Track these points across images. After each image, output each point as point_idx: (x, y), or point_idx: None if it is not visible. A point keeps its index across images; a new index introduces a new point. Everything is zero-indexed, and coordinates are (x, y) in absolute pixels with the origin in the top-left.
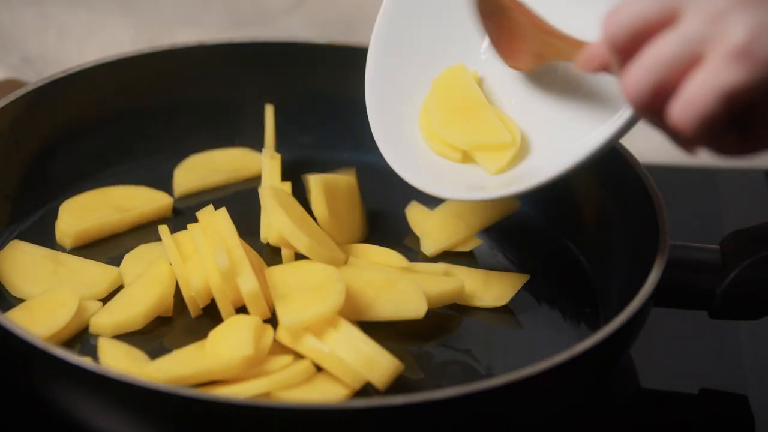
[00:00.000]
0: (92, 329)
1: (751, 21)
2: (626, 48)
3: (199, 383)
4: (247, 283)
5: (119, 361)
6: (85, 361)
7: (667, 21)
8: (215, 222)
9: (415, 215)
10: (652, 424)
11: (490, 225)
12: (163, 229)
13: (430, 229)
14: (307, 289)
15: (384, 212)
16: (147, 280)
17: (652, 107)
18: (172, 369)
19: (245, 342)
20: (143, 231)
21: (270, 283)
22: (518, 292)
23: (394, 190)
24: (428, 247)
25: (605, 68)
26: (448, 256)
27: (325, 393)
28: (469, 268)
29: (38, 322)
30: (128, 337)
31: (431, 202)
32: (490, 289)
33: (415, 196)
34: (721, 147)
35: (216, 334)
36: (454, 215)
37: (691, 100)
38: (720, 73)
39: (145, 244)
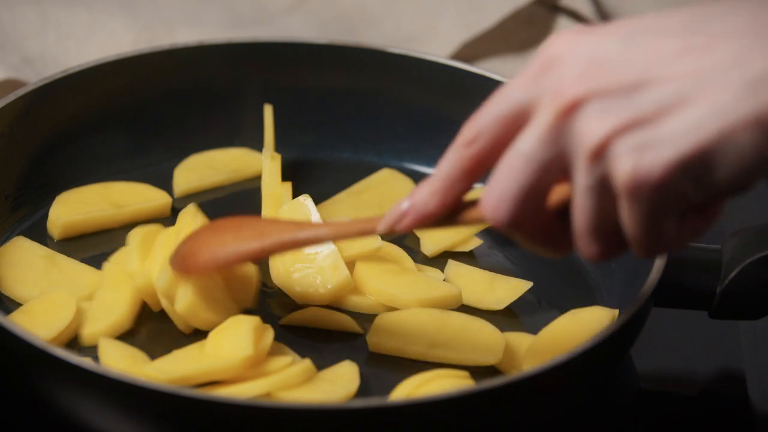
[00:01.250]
0: (85, 341)
1: (613, 120)
2: (483, 157)
3: (200, 384)
4: (181, 301)
5: (119, 361)
6: (85, 361)
7: (525, 117)
8: (188, 226)
9: None
10: (652, 425)
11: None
12: (133, 234)
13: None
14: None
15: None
16: (119, 279)
17: (522, 225)
18: (172, 369)
19: (245, 342)
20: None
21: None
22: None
23: None
24: (428, 247)
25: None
26: (448, 256)
27: (326, 393)
28: (470, 268)
29: (38, 324)
30: (126, 338)
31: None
32: (492, 292)
33: None
34: (663, 242)
35: (216, 334)
36: None
37: (634, 240)
38: (626, 213)
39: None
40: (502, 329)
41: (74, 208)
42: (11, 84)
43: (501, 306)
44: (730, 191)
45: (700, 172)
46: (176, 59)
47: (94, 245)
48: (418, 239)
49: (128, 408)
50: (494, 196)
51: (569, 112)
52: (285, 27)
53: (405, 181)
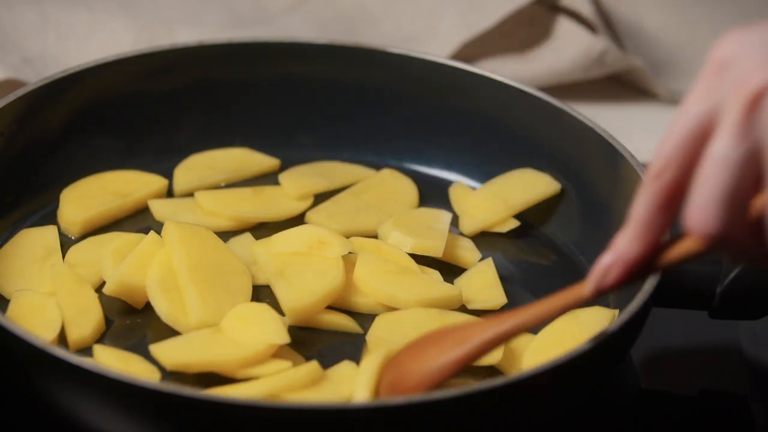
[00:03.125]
0: (74, 347)
1: None
2: (677, 185)
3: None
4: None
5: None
6: (85, 361)
7: (709, 128)
8: (168, 242)
9: (458, 193)
10: (652, 424)
11: (529, 207)
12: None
13: (470, 207)
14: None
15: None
16: (74, 280)
17: (732, 238)
18: (181, 355)
19: (277, 329)
20: (141, 216)
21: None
22: (519, 292)
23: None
24: (466, 226)
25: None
26: (486, 235)
27: (326, 393)
28: (469, 271)
29: (38, 325)
30: (121, 339)
31: (475, 180)
32: (486, 291)
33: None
34: None
35: (234, 321)
36: (495, 195)
37: None
38: None
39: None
40: None
41: (84, 203)
42: (11, 84)
43: (501, 306)
44: None
45: None
46: (176, 59)
47: (100, 237)
48: (457, 218)
49: (128, 408)
50: (698, 206)
51: (758, 100)
52: (285, 27)
53: (405, 181)
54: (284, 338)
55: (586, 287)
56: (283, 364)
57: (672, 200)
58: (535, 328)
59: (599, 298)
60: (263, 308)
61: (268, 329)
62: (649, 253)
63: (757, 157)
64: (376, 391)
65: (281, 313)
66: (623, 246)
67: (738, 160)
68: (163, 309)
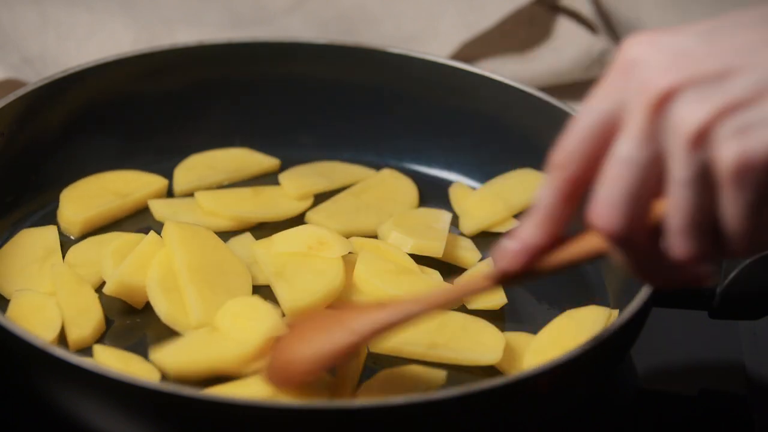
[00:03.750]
0: (74, 347)
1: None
2: (579, 177)
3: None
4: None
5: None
6: (85, 361)
7: (614, 126)
8: (168, 243)
9: (458, 193)
10: (652, 424)
11: (529, 207)
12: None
13: (470, 207)
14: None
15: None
16: (74, 280)
17: (633, 240)
18: (182, 360)
19: (270, 321)
20: (141, 216)
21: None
22: (519, 292)
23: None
24: (466, 226)
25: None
26: (486, 235)
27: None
28: (469, 271)
29: (38, 325)
30: (121, 339)
31: (475, 180)
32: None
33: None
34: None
35: (229, 318)
36: (495, 195)
37: (735, 234)
38: (730, 203)
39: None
40: (502, 329)
41: (84, 203)
42: (11, 84)
43: (501, 306)
44: None
45: None
46: (176, 59)
47: (100, 237)
48: (457, 218)
49: (128, 408)
50: (601, 204)
51: (662, 104)
52: (285, 27)
53: (405, 181)
54: (281, 329)
55: (486, 274)
56: None
57: (574, 193)
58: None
59: (499, 285)
60: (255, 301)
61: (264, 322)
62: (550, 243)
63: (660, 161)
64: (265, 373)
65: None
66: (526, 233)
67: (641, 163)
68: (162, 309)
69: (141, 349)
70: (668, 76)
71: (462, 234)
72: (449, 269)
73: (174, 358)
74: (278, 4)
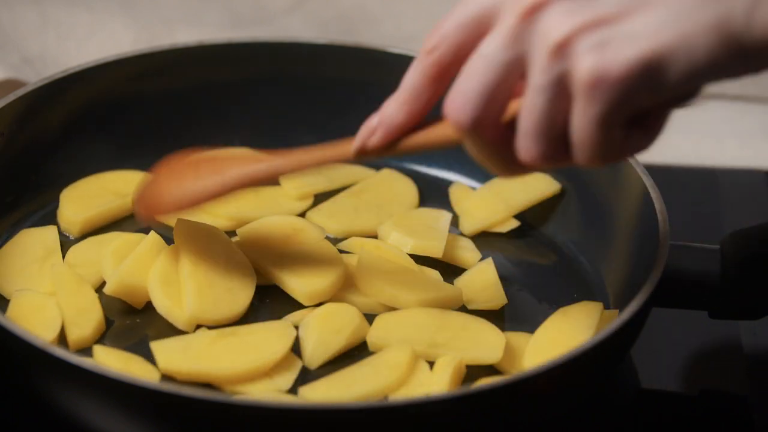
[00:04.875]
0: (74, 347)
1: (572, 21)
2: (450, 66)
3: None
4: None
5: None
6: (85, 361)
7: (487, 24)
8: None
9: (458, 193)
10: (652, 424)
11: (529, 207)
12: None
13: (470, 208)
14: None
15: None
16: (74, 280)
17: (481, 132)
18: (176, 360)
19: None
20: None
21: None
22: (519, 292)
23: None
24: (466, 226)
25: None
26: (486, 236)
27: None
28: (469, 271)
29: (38, 325)
30: (121, 339)
31: (475, 180)
32: (486, 291)
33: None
34: (606, 154)
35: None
36: (495, 195)
37: (580, 144)
38: (579, 114)
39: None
40: (502, 329)
41: (84, 203)
42: (11, 84)
43: (501, 306)
44: (676, 99)
45: (655, 73)
46: (176, 59)
47: (100, 237)
48: (457, 218)
49: (128, 408)
50: (457, 95)
51: (532, 12)
52: (285, 27)
53: (405, 181)
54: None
55: (352, 145)
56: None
57: (439, 77)
58: (294, 170)
59: (361, 158)
60: (280, 326)
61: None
62: (411, 123)
63: (521, 64)
64: (134, 205)
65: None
66: (389, 111)
67: (501, 63)
68: (161, 303)
69: (141, 349)
70: None
71: (462, 234)
72: (449, 269)
73: (170, 354)
74: (278, 4)
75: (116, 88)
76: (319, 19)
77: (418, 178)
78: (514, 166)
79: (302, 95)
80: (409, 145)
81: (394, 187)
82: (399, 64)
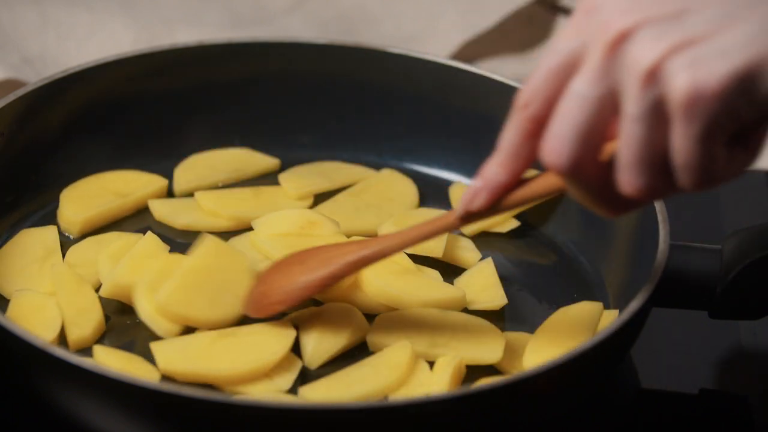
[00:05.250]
0: (74, 347)
1: (662, 44)
2: (545, 119)
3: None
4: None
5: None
6: (85, 361)
7: (575, 66)
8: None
9: (458, 193)
10: (652, 424)
11: (529, 206)
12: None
13: None
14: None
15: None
16: (74, 280)
17: (584, 173)
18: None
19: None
20: (141, 216)
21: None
22: (519, 292)
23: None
24: (467, 226)
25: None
26: (486, 235)
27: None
28: (469, 271)
29: (38, 325)
30: (121, 339)
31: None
32: (486, 291)
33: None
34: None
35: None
36: None
37: (684, 167)
38: (680, 135)
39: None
40: (502, 329)
41: (84, 203)
42: (11, 84)
43: (501, 306)
44: None
45: (751, 85)
46: (176, 59)
47: (100, 237)
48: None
49: (128, 408)
50: (553, 139)
51: (618, 43)
52: (285, 27)
53: (405, 181)
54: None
55: (454, 212)
56: (279, 383)
57: (537, 131)
58: (404, 249)
59: (466, 223)
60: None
61: (275, 348)
62: (514, 181)
63: (614, 98)
64: (244, 306)
65: None
66: (490, 173)
67: (594, 99)
68: (142, 307)
69: (141, 349)
70: (625, 17)
71: (462, 234)
72: (449, 269)
73: (169, 354)
74: (278, 4)
75: (116, 88)
76: (319, 19)
77: (418, 178)
78: (619, 204)
79: (302, 95)
80: (513, 201)
81: (394, 187)
82: (399, 64)
